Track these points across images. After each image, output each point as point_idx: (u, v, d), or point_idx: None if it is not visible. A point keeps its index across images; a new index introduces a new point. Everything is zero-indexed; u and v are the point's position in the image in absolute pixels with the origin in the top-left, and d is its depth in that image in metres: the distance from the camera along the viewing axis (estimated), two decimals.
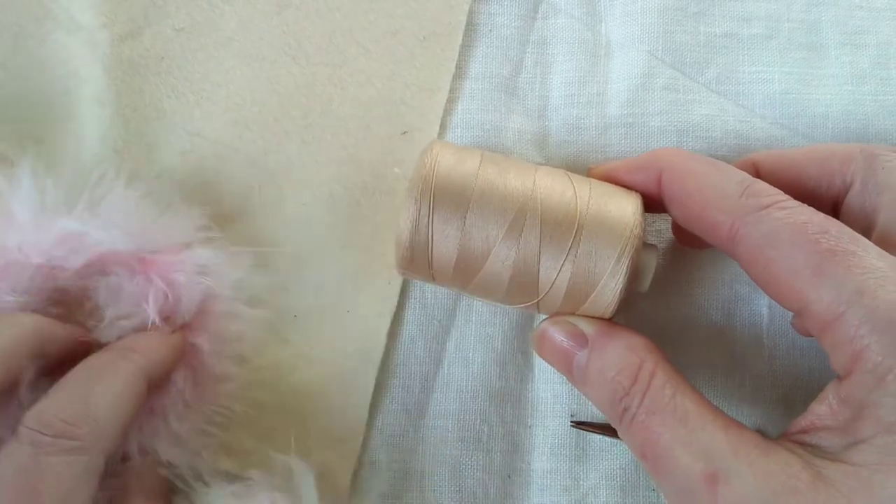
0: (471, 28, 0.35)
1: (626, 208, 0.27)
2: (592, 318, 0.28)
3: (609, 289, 0.27)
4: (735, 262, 0.27)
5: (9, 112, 0.33)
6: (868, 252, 0.23)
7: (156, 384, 0.29)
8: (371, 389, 0.32)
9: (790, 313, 0.31)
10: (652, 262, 0.28)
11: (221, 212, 0.32)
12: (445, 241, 0.27)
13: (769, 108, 0.34)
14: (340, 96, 0.34)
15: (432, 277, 0.28)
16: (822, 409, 0.24)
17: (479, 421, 0.33)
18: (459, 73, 0.34)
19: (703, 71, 0.34)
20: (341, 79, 0.34)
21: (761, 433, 0.24)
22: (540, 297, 0.27)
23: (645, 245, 0.28)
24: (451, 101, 0.34)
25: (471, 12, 0.35)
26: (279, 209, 0.33)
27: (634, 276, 0.27)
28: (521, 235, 0.26)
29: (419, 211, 0.26)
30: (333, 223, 0.33)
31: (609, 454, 0.33)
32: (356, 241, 0.33)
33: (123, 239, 0.29)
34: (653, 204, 0.29)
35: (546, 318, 0.29)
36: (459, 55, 0.34)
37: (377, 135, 0.34)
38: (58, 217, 0.28)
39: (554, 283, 0.27)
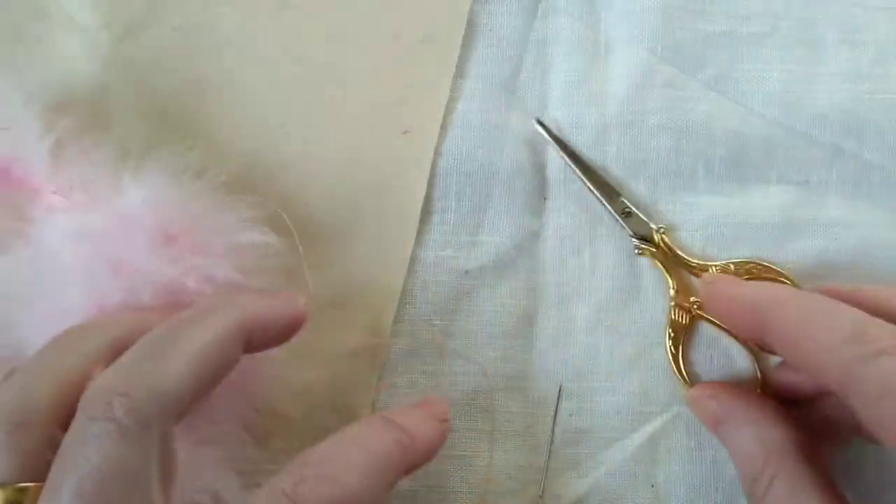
0: (470, 27, 0.35)
1: None
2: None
3: None
4: None
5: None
6: None
7: (255, 347, 0.27)
8: (372, 390, 0.33)
9: None
10: None
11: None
12: None
13: (768, 106, 0.34)
14: (341, 96, 0.34)
15: None
16: None
17: (481, 419, 0.33)
18: (459, 73, 0.34)
19: (703, 69, 0.34)
20: (342, 79, 0.34)
21: None
22: None
23: None
24: (451, 100, 0.34)
25: (470, 12, 0.35)
26: (280, 209, 0.33)
27: None
28: None
29: None
30: (335, 223, 0.33)
31: (611, 449, 0.33)
32: (358, 241, 0.33)
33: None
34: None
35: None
36: (459, 55, 0.34)
37: (379, 134, 0.34)
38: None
39: None
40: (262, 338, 0.27)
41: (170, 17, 0.34)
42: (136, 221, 0.28)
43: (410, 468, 0.26)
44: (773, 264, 0.33)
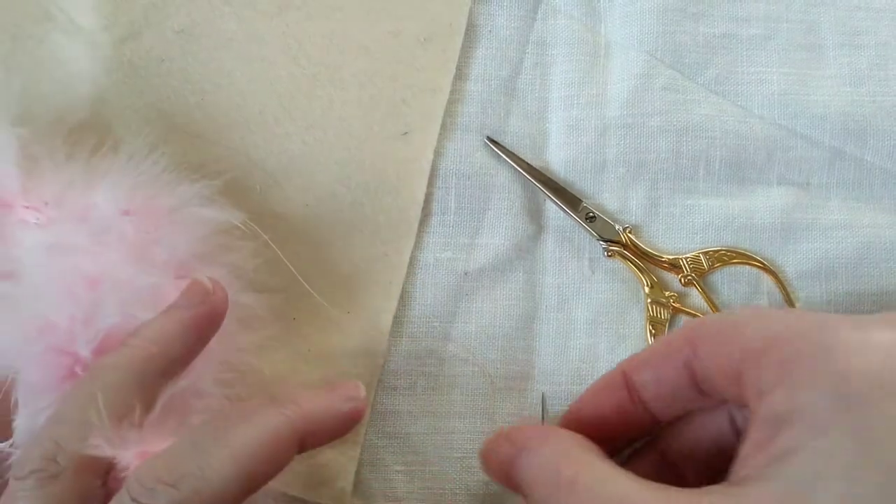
0: (470, 29, 0.35)
1: None
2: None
3: None
4: None
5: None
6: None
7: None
8: (373, 390, 0.33)
9: None
10: None
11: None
12: None
13: (768, 109, 0.34)
14: (342, 97, 0.34)
15: None
16: (747, 439, 0.23)
17: (480, 420, 0.33)
18: (459, 75, 0.34)
19: (703, 71, 0.34)
20: (342, 79, 0.34)
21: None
22: None
23: None
24: (451, 102, 0.34)
25: (470, 13, 0.35)
26: (280, 210, 0.33)
27: None
28: None
29: None
30: (335, 224, 0.33)
31: None
32: (358, 242, 0.33)
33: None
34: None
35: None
36: (459, 56, 0.34)
37: (379, 135, 0.34)
38: None
39: None
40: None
41: (171, 20, 0.34)
42: (112, 235, 0.28)
43: (305, 444, 0.26)
44: (745, 250, 0.33)
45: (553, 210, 0.34)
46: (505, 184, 0.34)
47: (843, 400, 0.21)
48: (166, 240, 0.29)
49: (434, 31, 0.34)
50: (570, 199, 0.34)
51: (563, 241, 0.34)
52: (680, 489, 0.23)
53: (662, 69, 0.34)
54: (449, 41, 0.34)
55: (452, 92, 0.34)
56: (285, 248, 0.33)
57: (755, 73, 0.34)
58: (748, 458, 0.23)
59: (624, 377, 0.27)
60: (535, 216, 0.35)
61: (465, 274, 0.34)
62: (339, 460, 0.32)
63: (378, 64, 0.34)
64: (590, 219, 0.34)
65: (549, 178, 0.34)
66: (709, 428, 0.27)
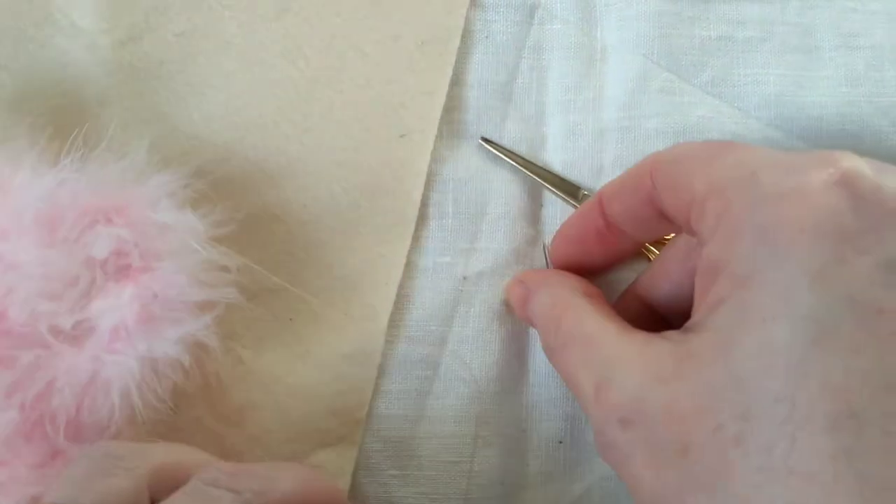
0: (467, 34, 0.35)
1: None
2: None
3: None
4: None
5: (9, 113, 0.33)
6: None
7: None
8: (369, 392, 0.32)
9: None
10: None
11: (218, 216, 0.32)
12: None
13: (764, 110, 0.34)
14: (340, 100, 0.34)
15: None
16: (696, 285, 0.24)
17: (475, 425, 0.33)
18: (456, 80, 0.35)
19: (699, 74, 0.35)
20: (340, 82, 0.34)
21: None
22: None
23: None
24: (448, 107, 0.34)
25: (467, 18, 0.35)
26: (278, 211, 0.33)
27: None
28: None
29: None
30: (333, 225, 0.33)
31: None
32: (355, 243, 0.33)
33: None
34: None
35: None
36: (455, 61, 0.35)
37: (376, 138, 0.34)
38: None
39: None
40: None
41: (171, 23, 0.34)
42: (26, 216, 0.27)
43: None
44: None
45: (550, 216, 0.34)
46: (503, 188, 0.34)
47: (763, 250, 0.21)
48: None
49: (431, 34, 0.35)
50: (568, 188, 0.34)
51: None
52: (639, 332, 0.25)
53: (658, 72, 0.35)
54: (446, 44, 0.35)
55: (449, 97, 0.34)
56: (283, 249, 0.33)
57: (751, 75, 0.35)
58: (696, 305, 0.24)
59: (601, 204, 0.29)
60: (534, 221, 0.34)
61: (464, 278, 0.34)
62: (336, 461, 0.32)
63: (376, 67, 0.34)
64: None
65: (545, 171, 0.34)
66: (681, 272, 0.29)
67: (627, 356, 0.24)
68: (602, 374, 0.24)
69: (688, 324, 0.23)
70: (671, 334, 0.23)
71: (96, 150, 0.29)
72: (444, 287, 0.34)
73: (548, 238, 0.34)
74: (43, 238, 0.27)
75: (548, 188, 0.34)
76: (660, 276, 0.30)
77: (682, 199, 0.25)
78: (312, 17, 0.35)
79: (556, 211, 0.34)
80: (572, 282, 0.29)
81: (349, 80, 0.34)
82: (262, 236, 0.33)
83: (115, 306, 0.27)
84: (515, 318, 0.34)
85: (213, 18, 0.34)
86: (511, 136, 0.35)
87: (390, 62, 0.34)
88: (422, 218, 0.34)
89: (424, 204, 0.34)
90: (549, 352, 0.29)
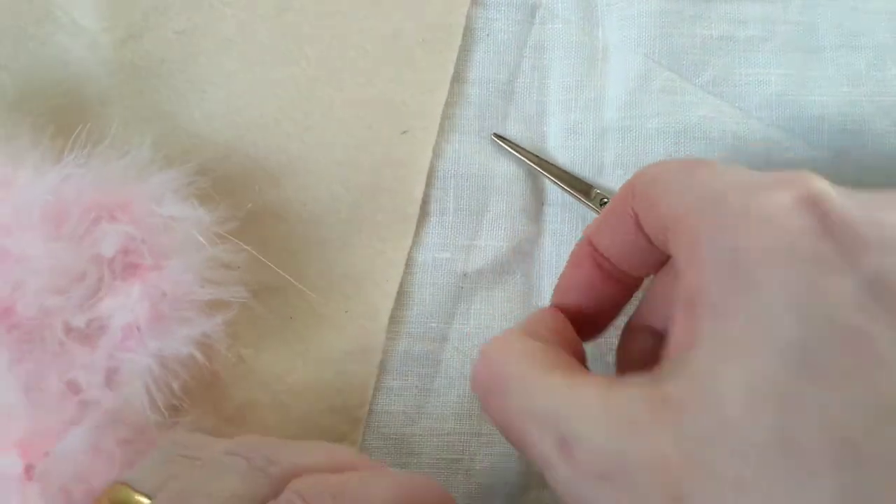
0: (468, 33, 0.35)
1: None
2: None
3: None
4: None
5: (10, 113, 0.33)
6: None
7: None
8: (370, 390, 0.32)
9: None
10: None
11: (221, 213, 0.32)
12: None
13: (766, 110, 0.34)
14: (341, 98, 0.34)
15: None
16: (671, 321, 0.22)
17: (476, 422, 0.33)
18: (457, 78, 0.35)
19: (700, 73, 0.35)
20: (341, 80, 0.34)
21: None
22: None
23: None
24: (449, 105, 0.34)
25: (468, 17, 0.35)
26: (279, 210, 0.33)
27: None
28: None
29: None
30: (333, 223, 0.33)
31: None
32: (356, 241, 0.33)
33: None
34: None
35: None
36: (457, 59, 0.35)
37: (377, 135, 0.34)
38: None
39: None
40: None
41: (172, 21, 0.34)
42: (32, 212, 0.27)
43: None
44: None
45: (551, 213, 0.34)
46: (504, 186, 0.34)
47: (735, 279, 0.20)
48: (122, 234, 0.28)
49: (432, 32, 0.35)
50: (582, 188, 0.34)
51: (562, 245, 0.34)
52: (592, 376, 0.23)
53: (660, 71, 0.34)
54: (447, 42, 0.35)
55: (450, 94, 0.34)
56: (284, 247, 0.33)
57: (753, 75, 0.34)
58: (671, 341, 0.22)
59: (591, 245, 0.27)
60: (534, 218, 0.34)
61: (464, 275, 0.34)
62: None
63: (377, 65, 0.34)
64: (604, 204, 0.33)
65: (558, 169, 0.34)
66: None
67: (586, 405, 0.21)
68: (562, 428, 0.21)
69: (662, 363, 0.22)
70: (637, 379, 0.21)
71: (99, 148, 0.29)
72: (444, 284, 0.34)
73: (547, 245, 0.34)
74: (49, 232, 0.27)
75: (562, 187, 0.34)
76: (659, 301, 0.28)
77: (658, 223, 0.23)
78: (313, 16, 0.34)
79: (558, 209, 0.34)
80: (534, 326, 0.26)
81: (350, 78, 0.34)
82: (263, 234, 0.33)
83: (125, 305, 0.28)
84: (516, 316, 0.34)
85: (214, 17, 0.34)
86: (512, 134, 0.35)
87: (391, 60, 0.34)
88: (422, 214, 0.34)
89: (425, 201, 0.34)
90: (483, 402, 0.25)
